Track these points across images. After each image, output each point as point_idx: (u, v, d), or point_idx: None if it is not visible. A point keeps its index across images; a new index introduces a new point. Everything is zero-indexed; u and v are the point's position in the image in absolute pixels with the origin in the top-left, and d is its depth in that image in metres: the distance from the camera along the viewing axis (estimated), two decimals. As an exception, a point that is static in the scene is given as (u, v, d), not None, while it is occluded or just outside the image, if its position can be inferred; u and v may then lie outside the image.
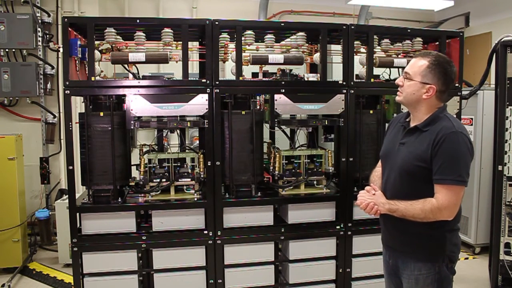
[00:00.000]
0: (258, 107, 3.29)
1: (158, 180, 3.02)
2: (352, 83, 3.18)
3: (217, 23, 2.96)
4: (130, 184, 3.10)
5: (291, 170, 3.24)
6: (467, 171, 2.00)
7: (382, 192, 2.20)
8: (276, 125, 3.17)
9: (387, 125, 3.58)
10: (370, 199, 2.13)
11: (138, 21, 2.91)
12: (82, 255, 2.91)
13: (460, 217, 2.12)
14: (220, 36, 3.11)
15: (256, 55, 3.11)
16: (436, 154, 1.98)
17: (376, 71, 3.40)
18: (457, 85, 3.42)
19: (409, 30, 3.44)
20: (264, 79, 3.26)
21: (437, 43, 3.50)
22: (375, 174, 2.45)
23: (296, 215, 3.18)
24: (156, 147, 3.28)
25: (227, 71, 3.98)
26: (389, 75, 3.68)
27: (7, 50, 4.96)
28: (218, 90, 2.96)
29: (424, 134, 2.06)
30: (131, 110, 2.85)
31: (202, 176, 3.06)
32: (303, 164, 3.25)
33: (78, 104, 4.78)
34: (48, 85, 5.16)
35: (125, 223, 2.96)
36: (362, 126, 3.27)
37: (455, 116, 3.34)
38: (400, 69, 3.73)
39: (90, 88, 2.89)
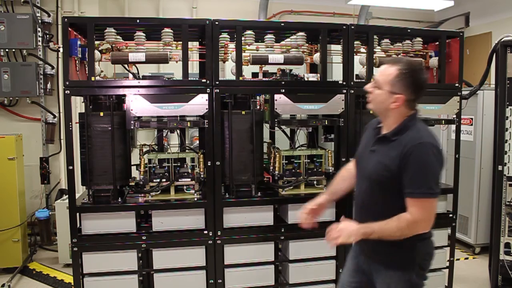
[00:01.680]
0: (258, 107, 3.29)
1: (158, 180, 3.02)
2: (352, 83, 3.18)
3: (217, 23, 2.96)
4: (130, 184, 3.10)
5: (291, 170, 3.24)
6: (437, 182, 1.96)
7: (355, 196, 2.20)
8: (276, 125, 3.17)
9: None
10: (341, 232, 2.01)
11: (138, 21, 2.91)
12: (82, 255, 2.91)
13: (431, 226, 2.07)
14: (220, 36, 3.11)
15: (256, 55, 3.11)
16: (404, 167, 1.93)
17: (376, 71, 3.40)
18: (457, 85, 3.43)
19: (409, 30, 3.44)
20: (264, 79, 3.26)
21: (437, 43, 3.50)
22: (340, 176, 2.44)
23: (296, 215, 3.16)
24: (156, 147, 3.28)
25: (227, 71, 3.98)
26: (389, 75, 3.68)
27: (7, 50, 4.96)
28: (218, 90, 2.96)
29: (392, 144, 2.01)
30: (131, 110, 2.85)
31: (202, 176, 3.06)
32: (303, 164, 3.25)
33: (78, 104, 4.78)
34: (48, 85, 5.15)
35: (125, 223, 2.96)
36: (362, 126, 3.26)
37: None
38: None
39: (90, 88, 2.89)
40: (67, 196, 3.79)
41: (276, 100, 3.05)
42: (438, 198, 1.98)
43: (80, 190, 3.53)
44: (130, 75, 3.16)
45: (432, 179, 1.94)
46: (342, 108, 3.17)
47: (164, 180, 3.04)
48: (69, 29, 2.88)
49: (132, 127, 2.92)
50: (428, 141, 1.95)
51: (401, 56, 3.44)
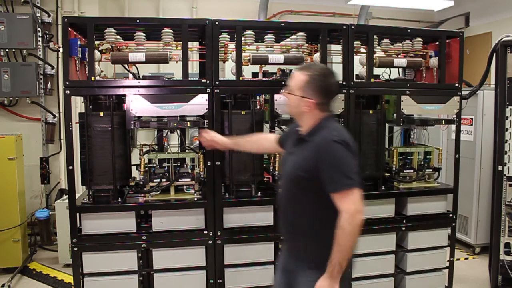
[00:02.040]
0: (258, 107, 3.29)
1: (158, 180, 3.02)
2: (352, 83, 3.18)
3: (217, 23, 2.96)
4: (130, 184, 3.10)
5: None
6: (354, 172, 1.99)
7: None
8: (276, 125, 3.17)
9: (387, 125, 3.64)
10: None
11: (138, 21, 2.91)
12: (82, 255, 2.91)
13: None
14: (220, 36, 3.11)
15: (256, 55, 3.11)
16: (320, 166, 1.99)
17: (376, 71, 3.41)
18: (457, 85, 3.43)
19: (409, 30, 3.44)
20: (264, 79, 3.26)
21: (437, 43, 3.50)
22: (254, 137, 2.61)
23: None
24: (156, 147, 3.28)
25: (227, 71, 3.98)
26: (389, 75, 3.69)
27: (7, 50, 4.96)
28: (218, 90, 2.96)
29: (307, 145, 2.08)
30: (131, 110, 2.86)
31: (202, 176, 3.06)
32: (303, 164, 3.25)
33: (78, 104, 4.78)
34: (48, 85, 5.15)
35: (125, 223, 2.96)
36: (362, 126, 3.27)
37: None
38: (400, 69, 3.75)
39: (90, 88, 2.89)
40: (67, 196, 3.79)
41: (276, 100, 3.05)
42: (362, 190, 1.99)
43: (80, 190, 3.53)
44: (130, 75, 3.16)
45: (348, 171, 1.97)
46: (342, 108, 3.17)
47: (164, 180, 3.04)
48: (69, 29, 2.88)
49: (132, 127, 2.92)
50: (337, 139, 2.00)
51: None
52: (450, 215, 3.50)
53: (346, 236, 1.93)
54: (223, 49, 3.17)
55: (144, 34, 3.05)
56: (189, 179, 3.09)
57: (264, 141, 2.58)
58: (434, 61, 3.48)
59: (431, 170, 3.52)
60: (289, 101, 2.17)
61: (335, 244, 1.94)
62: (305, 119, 2.14)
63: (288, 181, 2.16)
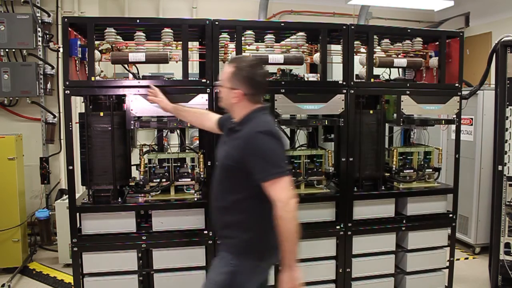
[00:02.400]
0: (258, 107, 3.29)
1: (158, 180, 3.02)
2: (352, 83, 3.18)
3: (217, 23, 2.96)
4: (130, 184, 3.10)
5: (291, 170, 3.24)
6: (282, 160, 2.04)
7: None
8: (276, 125, 3.16)
9: (387, 125, 3.64)
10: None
11: (138, 21, 2.92)
12: (82, 255, 2.91)
13: (268, 220, 2.07)
14: (220, 36, 3.11)
15: (256, 55, 3.11)
16: (246, 156, 2.04)
17: (376, 71, 3.41)
18: (457, 85, 3.43)
19: (409, 30, 3.44)
20: (264, 79, 3.26)
21: (437, 43, 3.50)
22: (198, 111, 2.76)
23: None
24: (156, 147, 3.28)
25: (227, 71, 3.97)
26: (389, 75, 3.68)
27: (7, 50, 4.96)
28: (218, 90, 2.96)
29: (237, 135, 2.13)
30: (131, 110, 2.86)
31: (202, 176, 3.06)
32: (303, 164, 3.25)
33: (78, 104, 4.78)
34: (48, 85, 5.15)
35: (125, 223, 2.96)
36: (362, 126, 3.27)
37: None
38: (400, 69, 3.75)
39: (90, 88, 2.89)
40: (67, 196, 3.79)
41: (276, 100, 3.05)
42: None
43: (80, 190, 3.53)
44: (130, 75, 3.16)
45: (275, 160, 2.02)
46: (342, 108, 3.17)
47: (164, 180, 3.04)
48: (69, 29, 2.88)
49: (132, 127, 2.92)
50: (262, 129, 2.05)
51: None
52: (450, 215, 3.50)
53: (286, 224, 1.98)
54: (223, 49, 3.16)
55: (144, 34, 3.05)
56: (189, 179, 3.08)
57: (206, 119, 2.64)
58: (434, 61, 3.48)
59: (431, 170, 3.52)
60: (221, 94, 2.23)
61: (280, 234, 1.99)
62: (236, 110, 2.18)
63: (219, 169, 2.24)
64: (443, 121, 3.49)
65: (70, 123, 2.84)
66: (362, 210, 3.29)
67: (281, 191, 1.98)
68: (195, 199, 3.05)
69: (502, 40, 3.77)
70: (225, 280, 2.09)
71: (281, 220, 1.98)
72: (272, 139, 2.04)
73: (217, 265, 2.18)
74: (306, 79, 3.23)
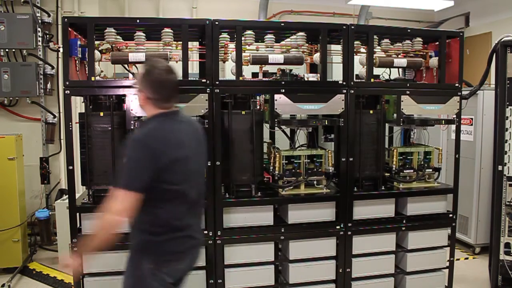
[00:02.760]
0: (258, 107, 3.29)
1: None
2: (352, 83, 3.18)
3: (217, 23, 2.96)
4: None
5: (291, 170, 3.24)
6: (133, 173, 2.02)
7: None
8: (276, 125, 3.17)
9: (387, 125, 3.64)
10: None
11: (138, 21, 2.91)
12: (82, 255, 2.90)
13: (176, 225, 2.13)
14: (220, 36, 3.11)
15: (256, 55, 3.11)
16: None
17: (376, 71, 3.41)
18: (457, 85, 3.43)
19: (409, 30, 3.44)
20: (264, 79, 3.26)
21: (437, 43, 3.50)
22: None
23: (296, 215, 3.18)
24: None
25: (227, 71, 3.98)
26: (389, 75, 3.68)
27: (7, 50, 4.96)
28: (218, 90, 2.96)
29: None
30: (131, 110, 2.85)
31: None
32: (303, 164, 3.25)
33: (78, 104, 4.78)
34: (48, 85, 5.15)
35: (125, 223, 2.94)
36: (362, 126, 3.27)
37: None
38: (400, 69, 3.75)
39: (90, 88, 2.88)
40: (67, 196, 3.79)
41: (276, 100, 3.05)
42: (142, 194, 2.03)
43: (80, 190, 3.52)
44: (130, 75, 3.16)
45: (128, 171, 2.03)
46: (342, 108, 3.17)
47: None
48: (69, 29, 2.88)
49: (132, 127, 2.91)
50: (136, 137, 2.06)
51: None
52: (450, 215, 3.50)
53: (98, 228, 2.05)
54: (223, 49, 3.17)
55: (144, 34, 3.05)
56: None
57: None
58: (434, 61, 3.48)
59: (431, 170, 3.52)
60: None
61: (95, 228, 2.09)
62: (145, 112, 2.21)
63: None
64: (443, 121, 3.48)
65: (70, 123, 2.84)
66: (362, 210, 3.29)
67: (113, 201, 2.00)
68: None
69: (502, 40, 3.77)
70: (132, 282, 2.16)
71: (98, 223, 2.07)
72: (138, 149, 2.02)
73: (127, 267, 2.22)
74: (306, 79, 3.23)
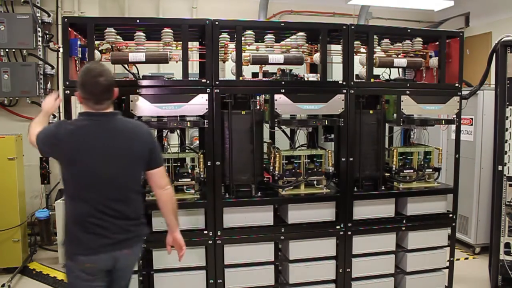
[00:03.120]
0: (258, 107, 3.29)
1: (158, 180, 3.01)
2: (352, 83, 3.18)
3: (217, 23, 2.96)
4: (130, 184, 3.09)
5: (291, 170, 3.24)
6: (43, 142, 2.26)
7: None
8: (276, 125, 3.17)
9: (387, 125, 3.64)
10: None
11: (138, 21, 2.92)
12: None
13: (72, 216, 2.40)
14: (220, 36, 3.11)
15: (256, 55, 3.11)
16: None
17: (376, 71, 3.41)
18: (457, 85, 3.43)
19: (409, 30, 3.44)
20: (264, 79, 3.26)
21: (437, 43, 3.50)
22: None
23: (296, 215, 3.18)
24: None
25: (227, 71, 3.98)
26: (389, 75, 3.69)
27: (7, 50, 4.97)
28: (218, 90, 2.96)
29: None
30: (131, 110, 2.85)
31: (202, 176, 3.06)
32: (303, 164, 3.25)
33: (78, 104, 4.76)
34: (48, 85, 5.16)
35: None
36: (362, 126, 3.27)
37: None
38: (400, 69, 3.75)
39: (90, 88, 2.88)
40: (67, 196, 3.78)
41: (276, 100, 3.05)
42: None
43: (80, 190, 3.51)
44: (130, 75, 3.16)
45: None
46: (342, 108, 3.17)
47: (164, 180, 3.03)
48: (69, 29, 2.88)
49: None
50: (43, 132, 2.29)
51: (401, 56, 3.48)
52: (450, 215, 3.50)
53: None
54: (223, 49, 3.17)
55: (144, 34, 3.05)
56: (189, 179, 3.08)
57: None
58: (434, 61, 3.48)
59: (431, 170, 3.52)
60: None
61: None
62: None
63: None
64: (443, 121, 3.49)
65: (70, 123, 2.84)
66: (362, 210, 3.29)
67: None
68: (195, 199, 3.05)
69: (502, 40, 3.77)
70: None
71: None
72: (39, 141, 2.27)
73: None
74: (306, 79, 3.23)
